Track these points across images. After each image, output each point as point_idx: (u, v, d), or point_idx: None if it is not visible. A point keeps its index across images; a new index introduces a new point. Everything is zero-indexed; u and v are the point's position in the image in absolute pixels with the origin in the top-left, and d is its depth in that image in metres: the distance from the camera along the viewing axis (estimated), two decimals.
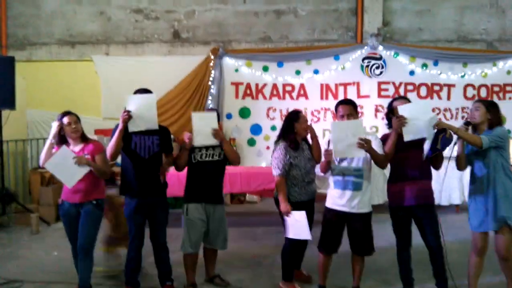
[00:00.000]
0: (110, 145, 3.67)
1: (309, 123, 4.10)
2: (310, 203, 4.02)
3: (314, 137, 4.03)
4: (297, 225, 3.71)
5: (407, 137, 3.52)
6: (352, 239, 3.78)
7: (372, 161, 3.71)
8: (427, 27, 8.97)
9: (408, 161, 3.70)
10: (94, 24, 8.82)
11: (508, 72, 8.80)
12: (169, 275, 3.97)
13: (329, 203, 3.79)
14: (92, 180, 3.73)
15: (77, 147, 3.73)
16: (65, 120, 3.71)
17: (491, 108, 3.52)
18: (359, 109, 8.40)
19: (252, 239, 5.46)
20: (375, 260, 4.71)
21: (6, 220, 6.59)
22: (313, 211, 4.11)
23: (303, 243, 4.10)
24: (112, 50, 8.79)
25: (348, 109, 3.75)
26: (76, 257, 3.86)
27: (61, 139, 3.74)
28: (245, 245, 5.27)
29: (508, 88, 8.83)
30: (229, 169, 6.58)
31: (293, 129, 3.98)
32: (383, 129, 8.37)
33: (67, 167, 3.52)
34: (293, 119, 4.05)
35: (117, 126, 3.70)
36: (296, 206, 3.88)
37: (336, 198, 3.73)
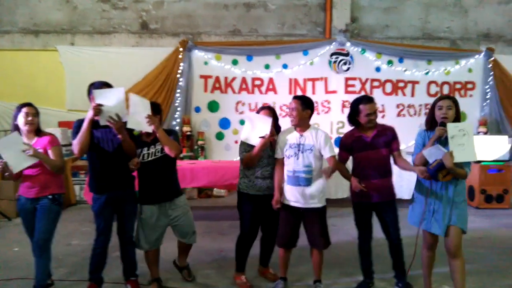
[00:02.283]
0: (77, 140, 3.53)
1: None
2: (260, 198, 3.96)
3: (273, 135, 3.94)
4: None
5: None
6: (308, 233, 3.85)
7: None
8: (393, 24, 9.17)
9: (370, 160, 3.78)
10: (59, 12, 8.59)
11: (470, 70, 9.13)
12: (133, 271, 3.95)
13: (284, 199, 3.82)
14: (48, 175, 3.65)
15: (30, 141, 3.64)
16: (24, 110, 3.61)
17: (457, 106, 3.49)
18: (326, 104, 8.66)
19: (219, 233, 5.48)
20: (337, 253, 4.85)
21: None
22: (264, 206, 3.96)
23: (270, 237, 4.18)
24: (78, 40, 8.59)
25: (373, 107, 3.77)
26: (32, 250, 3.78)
27: (16, 129, 3.65)
28: (211, 239, 5.30)
29: (469, 86, 9.18)
30: (196, 163, 6.63)
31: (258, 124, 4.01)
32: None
33: (15, 152, 3.46)
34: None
35: (78, 121, 3.61)
36: (243, 198, 3.97)
37: (290, 194, 3.76)
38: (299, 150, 3.72)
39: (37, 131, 3.73)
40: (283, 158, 3.81)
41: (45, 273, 3.76)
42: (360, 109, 3.79)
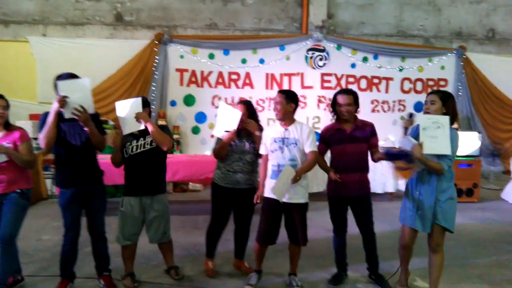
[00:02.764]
0: (43, 134, 3.42)
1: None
2: (231, 191, 4.00)
3: (255, 131, 3.97)
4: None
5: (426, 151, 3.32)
6: (287, 228, 3.85)
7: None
8: (368, 21, 9.28)
9: (347, 153, 3.80)
10: (31, 2, 8.35)
11: (442, 68, 9.34)
12: (106, 266, 3.89)
13: (266, 193, 3.80)
14: (16, 170, 3.55)
15: None
16: None
17: (448, 101, 3.39)
18: (302, 99, 8.71)
19: (193, 227, 5.46)
20: (312, 246, 4.87)
21: None
22: (243, 202, 4.01)
23: (243, 230, 4.18)
24: (50, 31, 8.38)
25: (348, 98, 3.80)
26: None
27: None
28: (186, 233, 5.27)
29: (441, 83, 9.40)
30: (172, 157, 6.57)
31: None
32: (325, 120, 8.65)
33: None
34: None
35: (45, 114, 3.50)
36: (214, 188, 4.05)
37: (271, 188, 3.72)
38: (283, 144, 3.70)
39: (6, 124, 3.62)
40: (267, 154, 3.80)
41: (11, 269, 3.65)
42: (337, 100, 3.83)
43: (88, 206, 3.71)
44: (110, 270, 3.92)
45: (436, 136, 3.26)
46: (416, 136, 3.37)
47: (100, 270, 3.88)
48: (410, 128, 3.56)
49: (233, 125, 3.81)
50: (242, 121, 3.91)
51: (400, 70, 9.14)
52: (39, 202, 6.94)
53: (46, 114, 3.51)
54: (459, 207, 6.78)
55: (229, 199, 4.02)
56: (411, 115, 3.56)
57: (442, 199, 3.38)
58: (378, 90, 9.07)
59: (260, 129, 4.05)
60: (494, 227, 5.89)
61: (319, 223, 5.68)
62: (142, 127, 3.69)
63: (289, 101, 3.76)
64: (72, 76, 3.56)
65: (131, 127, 3.69)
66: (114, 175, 5.74)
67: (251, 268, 4.15)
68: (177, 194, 7.76)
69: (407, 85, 9.21)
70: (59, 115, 3.44)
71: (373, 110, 9.00)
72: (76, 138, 3.57)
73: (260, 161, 3.96)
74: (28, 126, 7.02)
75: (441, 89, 9.21)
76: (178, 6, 8.69)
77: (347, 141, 3.79)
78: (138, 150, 3.76)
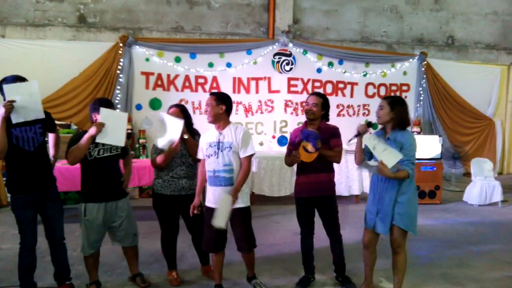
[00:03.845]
0: None
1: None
2: (177, 198, 3.91)
3: (184, 134, 3.84)
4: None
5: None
6: (234, 236, 3.73)
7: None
8: (333, 27, 9.44)
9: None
10: None
11: (405, 73, 9.59)
12: (67, 274, 3.76)
13: (207, 202, 3.70)
14: None
15: None
16: None
17: (395, 106, 3.46)
18: (269, 103, 8.75)
19: (160, 233, 5.38)
20: (280, 249, 4.91)
21: None
22: (181, 206, 3.92)
23: (198, 239, 4.02)
24: (9, 32, 8.09)
25: (315, 99, 3.85)
26: None
27: None
28: (154, 239, 5.18)
29: (404, 88, 9.65)
30: (137, 162, 6.46)
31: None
32: (292, 124, 8.74)
33: None
34: (167, 111, 4.00)
35: None
36: (159, 198, 3.94)
37: (211, 195, 3.65)
38: (218, 149, 3.57)
39: None
40: (204, 159, 3.69)
41: None
42: (307, 99, 3.92)
43: (43, 212, 3.58)
44: (71, 279, 3.80)
45: (385, 148, 3.36)
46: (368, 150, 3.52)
47: (60, 279, 3.75)
48: (365, 136, 3.57)
49: (177, 134, 3.71)
50: None
51: (364, 75, 9.34)
52: None
53: None
54: (422, 208, 7.00)
55: (175, 207, 3.92)
56: (369, 124, 3.65)
57: (401, 200, 3.43)
58: (343, 95, 9.23)
59: (196, 133, 4.02)
60: (456, 227, 6.08)
61: (287, 227, 5.72)
62: (119, 144, 3.62)
63: (219, 103, 3.63)
64: (19, 79, 3.43)
65: (109, 139, 3.57)
66: (76, 181, 5.61)
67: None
68: (143, 200, 7.62)
69: (371, 90, 9.41)
70: (8, 120, 3.30)
71: (338, 114, 9.14)
72: (30, 143, 3.44)
73: (198, 166, 3.84)
74: None
75: (403, 94, 9.58)
76: (143, 8, 8.57)
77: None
78: (106, 154, 3.65)
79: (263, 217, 6.28)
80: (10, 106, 3.25)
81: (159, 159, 3.82)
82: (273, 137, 8.86)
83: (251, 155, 3.61)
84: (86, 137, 3.49)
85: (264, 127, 8.78)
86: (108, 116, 3.53)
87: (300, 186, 3.93)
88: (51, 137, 3.82)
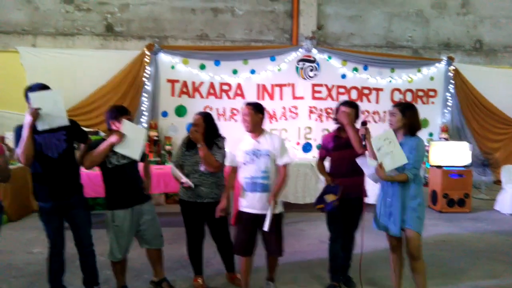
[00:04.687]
0: (21, 150, 3.35)
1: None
2: (196, 205, 3.96)
3: (198, 142, 3.87)
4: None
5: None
6: (264, 240, 3.81)
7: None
8: (358, 32, 9.37)
9: (345, 160, 3.89)
10: (20, 13, 8.30)
11: (431, 78, 9.43)
12: (96, 280, 3.82)
13: (241, 206, 3.80)
14: None
15: None
16: None
17: (407, 112, 3.53)
18: (294, 110, 8.73)
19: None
20: (306, 257, 4.88)
21: None
22: (210, 214, 3.94)
23: (225, 243, 4.12)
24: (40, 42, 8.32)
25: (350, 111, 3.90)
26: None
27: None
28: (179, 245, 5.21)
29: (431, 93, 9.48)
30: (163, 168, 6.53)
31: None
32: (317, 130, 8.69)
33: None
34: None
35: (19, 127, 3.43)
36: (181, 204, 4.04)
37: (247, 200, 3.74)
38: (255, 156, 3.70)
39: None
40: (236, 166, 3.81)
41: None
42: (340, 110, 3.97)
43: (70, 220, 3.63)
44: (99, 284, 3.85)
45: (391, 151, 3.43)
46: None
47: (88, 284, 3.80)
48: (375, 136, 3.61)
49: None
50: (190, 132, 3.90)
51: (390, 81, 9.22)
52: (29, 215, 6.84)
53: (20, 128, 3.43)
54: (451, 217, 6.88)
55: (196, 212, 3.98)
56: (364, 123, 3.72)
57: (413, 205, 3.48)
58: (369, 101, 9.13)
59: (220, 137, 4.06)
60: (488, 237, 5.91)
61: (312, 234, 5.68)
62: (135, 158, 3.67)
63: (257, 112, 3.78)
64: (44, 87, 3.51)
65: (126, 150, 3.64)
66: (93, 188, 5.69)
67: None
68: (169, 206, 7.68)
69: (397, 96, 9.28)
70: (33, 127, 3.37)
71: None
72: (53, 150, 3.50)
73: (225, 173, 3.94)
74: None
75: (430, 99, 9.42)
76: (169, 17, 8.70)
77: (343, 148, 3.90)
78: (125, 161, 3.69)
79: (288, 224, 6.20)
80: (36, 114, 3.33)
81: None
82: (298, 143, 8.82)
83: (288, 163, 3.76)
84: (106, 144, 3.55)
85: (288, 133, 8.75)
86: (129, 128, 3.62)
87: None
88: (81, 148, 3.83)
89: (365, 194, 4.01)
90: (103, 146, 3.56)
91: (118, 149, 3.59)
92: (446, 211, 7.25)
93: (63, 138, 3.54)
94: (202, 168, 3.90)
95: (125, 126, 3.62)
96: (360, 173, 3.90)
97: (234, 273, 4.23)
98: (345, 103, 4.03)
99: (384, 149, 3.44)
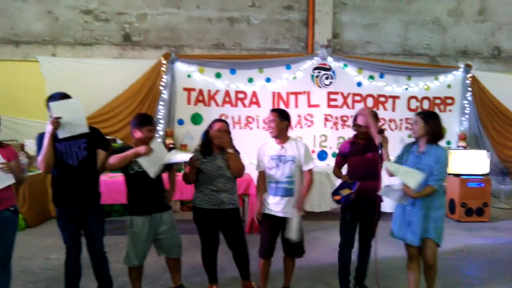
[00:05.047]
0: (41, 157, 3.43)
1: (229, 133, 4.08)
2: (217, 212, 3.96)
3: (228, 148, 3.96)
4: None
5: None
6: (284, 242, 3.90)
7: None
8: (374, 40, 9.35)
9: (361, 165, 3.94)
10: (41, 23, 8.49)
11: (449, 86, 9.33)
12: (110, 286, 3.85)
13: (265, 209, 3.91)
14: (8, 187, 3.46)
15: None
16: None
17: (429, 120, 3.54)
18: (309, 118, 8.72)
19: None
20: (322, 266, 4.84)
21: None
22: (231, 221, 4.01)
23: (240, 250, 4.12)
24: (59, 51, 8.49)
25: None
26: None
27: None
28: (194, 252, 5.22)
29: (448, 101, 9.37)
30: (179, 175, 6.56)
31: (207, 135, 4.07)
32: (332, 138, 8.67)
33: None
34: (209, 125, 4.11)
35: (40, 135, 3.52)
36: (200, 213, 4.00)
37: (270, 204, 3.86)
38: (280, 161, 3.82)
39: None
40: (264, 170, 3.92)
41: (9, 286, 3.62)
42: (357, 120, 4.04)
43: (85, 228, 3.68)
44: None
45: (407, 170, 3.47)
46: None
47: None
48: (385, 162, 3.63)
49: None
50: (217, 137, 3.94)
51: (407, 88, 9.15)
52: (47, 221, 6.94)
53: (41, 136, 3.51)
54: (469, 226, 6.77)
55: (215, 221, 3.98)
56: (381, 131, 3.79)
57: (436, 216, 3.49)
58: (385, 109, 9.06)
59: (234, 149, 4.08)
60: (508, 247, 5.79)
61: (328, 243, 5.64)
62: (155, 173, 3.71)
63: (282, 119, 3.88)
64: (64, 96, 3.59)
65: (149, 165, 3.67)
66: (121, 194, 5.76)
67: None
68: (184, 213, 7.72)
69: (414, 104, 9.20)
70: (54, 136, 3.45)
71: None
72: (73, 158, 3.56)
73: (256, 177, 4.04)
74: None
75: (448, 107, 9.31)
76: (186, 27, 8.81)
77: (362, 153, 3.97)
78: None
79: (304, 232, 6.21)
80: (57, 123, 3.40)
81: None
82: (313, 151, 8.79)
83: (313, 168, 3.91)
84: (132, 152, 3.60)
85: (304, 141, 8.70)
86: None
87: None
88: (102, 155, 3.88)
89: (380, 199, 3.99)
90: (129, 152, 3.61)
91: (140, 160, 3.62)
92: (464, 221, 7.13)
93: (83, 146, 3.60)
94: (228, 173, 3.95)
95: (155, 144, 3.70)
96: (375, 178, 3.90)
97: (249, 281, 4.21)
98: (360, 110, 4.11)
99: (401, 169, 3.48)
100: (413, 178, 3.39)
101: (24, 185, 6.29)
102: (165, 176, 4.00)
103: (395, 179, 3.55)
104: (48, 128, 3.41)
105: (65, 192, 3.57)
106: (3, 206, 3.47)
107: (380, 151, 3.66)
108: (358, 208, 3.90)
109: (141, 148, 3.60)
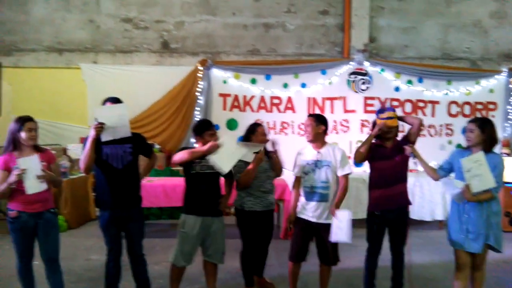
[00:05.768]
0: (82, 158, 3.58)
1: (270, 137, 4.23)
2: (265, 214, 4.07)
3: (274, 151, 4.10)
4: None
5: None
6: (318, 248, 3.88)
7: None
8: (412, 44, 9.16)
9: (387, 170, 3.88)
10: (83, 31, 8.81)
11: (491, 91, 9.02)
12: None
13: (299, 213, 3.90)
14: (48, 189, 3.60)
15: (30, 156, 3.51)
16: (27, 125, 3.52)
17: (486, 128, 3.49)
18: (345, 123, 8.62)
19: (237, 251, 5.39)
20: (358, 274, 4.76)
21: None
22: (271, 222, 4.21)
23: (263, 250, 4.25)
24: (100, 59, 8.77)
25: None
26: (26, 272, 3.67)
27: (16, 145, 3.53)
28: (229, 257, 5.24)
29: (490, 106, 9.05)
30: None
31: (249, 140, 4.09)
32: None
33: (32, 175, 3.39)
34: (250, 131, 4.16)
35: (87, 139, 3.64)
36: (250, 216, 4.02)
37: (304, 208, 3.87)
38: (316, 166, 3.81)
39: (35, 145, 3.65)
40: (300, 176, 3.93)
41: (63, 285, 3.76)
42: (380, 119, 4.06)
43: (126, 231, 3.77)
44: None
45: (480, 174, 3.36)
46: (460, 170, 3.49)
47: None
48: (465, 158, 3.50)
49: (233, 161, 3.75)
50: (263, 141, 4.05)
51: (447, 93, 8.91)
52: (88, 223, 7.15)
53: (87, 139, 3.64)
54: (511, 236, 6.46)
55: (263, 222, 4.06)
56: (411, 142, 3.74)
57: (495, 221, 3.43)
58: (424, 114, 8.84)
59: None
60: None
61: (364, 251, 5.52)
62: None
63: (318, 124, 3.88)
64: (116, 100, 3.71)
65: (221, 161, 3.69)
66: (159, 198, 5.89)
67: (272, 284, 4.32)
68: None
69: (454, 109, 8.94)
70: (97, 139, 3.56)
71: (420, 131, 8.74)
72: (118, 161, 3.66)
73: (293, 182, 4.04)
74: (79, 148, 7.31)
75: (490, 112, 8.99)
76: (222, 33, 8.92)
77: (390, 157, 3.91)
78: (207, 170, 3.79)
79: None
80: (100, 129, 3.51)
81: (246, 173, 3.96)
82: (349, 157, 8.65)
83: (349, 174, 3.88)
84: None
85: (336, 145, 8.62)
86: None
87: (375, 200, 3.95)
88: (144, 161, 3.97)
89: (409, 202, 3.93)
90: (198, 149, 3.70)
91: (212, 158, 3.65)
92: (508, 230, 6.83)
93: (129, 151, 3.70)
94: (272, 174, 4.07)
95: (226, 138, 3.71)
96: (402, 181, 3.84)
97: (263, 278, 4.36)
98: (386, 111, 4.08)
99: (474, 171, 3.38)
100: (481, 183, 3.34)
101: (66, 188, 6.52)
102: (222, 181, 4.05)
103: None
104: (91, 133, 3.52)
105: (109, 194, 3.67)
106: (44, 208, 3.60)
107: (414, 161, 3.63)
108: (387, 214, 3.83)
109: (208, 145, 3.64)
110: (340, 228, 3.69)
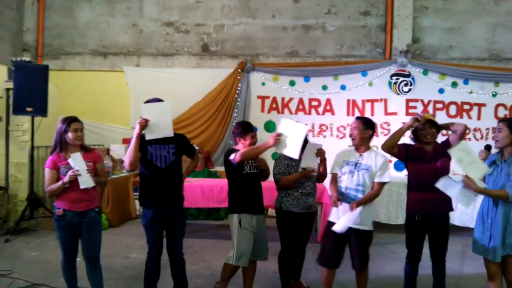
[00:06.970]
0: (127, 155, 3.68)
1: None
2: (304, 216, 4.01)
3: (323, 160, 3.99)
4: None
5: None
6: (350, 253, 3.78)
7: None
8: (457, 44, 8.84)
9: (425, 173, 3.73)
10: (126, 35, 9.06)
11: None
12: (185, 287, 3.96)
13: (331, 217, 3.80)
14: (93, 188, 3.68)
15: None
16: (73, 126, 3.63)
17: None
18: (385, 126, 8.42)
19: (273, 253, 5.37)
20: (399, 281, 4.62)
21: (33, 224, 6.73)
22: (310, 225, 4.16)
23: (300, 252, 4.18)
24: (143, 62, 9.00)
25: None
26: (70, 268, 3.80)
27: (63, 145, 3.65)
28: (268, 260, 5.23)
29: None
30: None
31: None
32: None
33: (82, 171, 3.51)
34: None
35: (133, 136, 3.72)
36: (288, 216, 3.99)
37: (337, 212, 3.74)
38: (355, 169, 3.72)
39: (82, 145, 3.75)
40: (337, 174, 3.83)
41: (102, 285, 3.85)
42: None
43: (168, 230, 3.82)
44: None
45: (472, 161, 3.24)
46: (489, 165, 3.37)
47: None
48: (453, 147, 3.45)
49: (300, 139, 3.62)
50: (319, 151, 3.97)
51: (494, 95, 8.54)
52: (128, 221, 7.32)
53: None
54: None
55: (300, 224, 4.03)
56: (488, 148, 3.44)
57: None
58: (470, 117, 8.51)
59: None
60: None
61: (405, 257, 5.37)
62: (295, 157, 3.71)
63: (366, 128, 3.79)
64: (158, 100, 3.79)
65: (289, 151, 3.65)
66: (197, 198, 5.94)
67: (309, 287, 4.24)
68: None
69: (502, 112, 8.55)
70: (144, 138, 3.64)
71: (463, 138, 8.43)
72: (162, 161, 3.73)
73: (329, 180, 3.94)
74: (121, 149, 7.53)
75: None
76: (261, 36, 8.94)
77: (430, 161, 3.78)
78: (253, 171, 3.89)
79: (379, 245, 5.96)
80: (144, 124, 3.59)
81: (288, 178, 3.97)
82: (390, 161, 8.46)
83: (385, 183, 3.72)
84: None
85: (380, 150, 8.43)
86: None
87: (412, 202, 3.84)
88: (186, 162, 4.01)
89: (450, 208, 3.76)
90: (261, 146, 3.70)
91: (278, 150, 3.66)
92: None
93: (172, 151, 3.78)
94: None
95: (283, 124, 3.65)
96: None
97: (300, 281, 4.30)
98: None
99: (466, 160, 3.24)
100: (478, 169, 3.20)
101: (108, 187, 6.70)
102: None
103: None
104: (136, 128, 3.62)
105: (152, 193, 3.75)
106: (89, 207, 3.70)
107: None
108: (426, 218, 3.70)
109: (270, 141, 3.64)
110: (344, 222, 3.56)
